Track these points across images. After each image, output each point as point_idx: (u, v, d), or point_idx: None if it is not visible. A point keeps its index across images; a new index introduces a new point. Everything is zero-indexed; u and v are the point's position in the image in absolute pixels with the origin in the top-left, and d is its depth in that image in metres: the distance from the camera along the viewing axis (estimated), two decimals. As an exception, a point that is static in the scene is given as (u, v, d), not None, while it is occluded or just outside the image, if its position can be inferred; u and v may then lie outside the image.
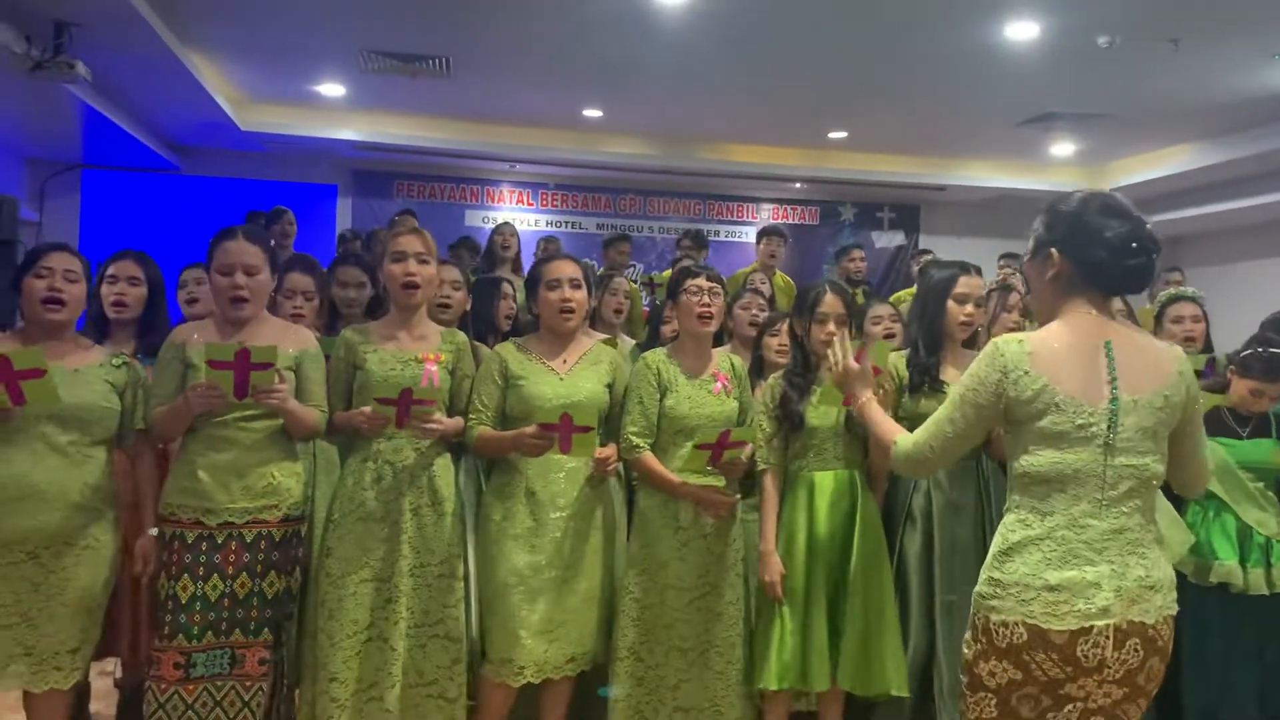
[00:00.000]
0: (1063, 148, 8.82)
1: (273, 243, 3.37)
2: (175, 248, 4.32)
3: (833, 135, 8.97)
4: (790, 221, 10.93)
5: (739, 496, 3.35)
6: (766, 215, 10.79)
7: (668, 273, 7.32)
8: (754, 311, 4.31)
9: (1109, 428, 2.10)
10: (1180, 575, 3.21)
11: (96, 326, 3.65)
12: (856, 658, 3.21)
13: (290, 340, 3.18)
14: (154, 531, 3.12)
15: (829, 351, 2.69)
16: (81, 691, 3.67)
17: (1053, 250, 2.20)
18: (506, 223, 7.08)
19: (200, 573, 3.04)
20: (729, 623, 3.31)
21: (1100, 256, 2.15)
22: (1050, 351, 2.14)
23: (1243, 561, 3.40)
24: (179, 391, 3.06)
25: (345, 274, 4.04)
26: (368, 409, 3.12)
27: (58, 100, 6.73)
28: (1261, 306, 4.25)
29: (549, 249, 7.27)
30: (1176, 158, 8.67)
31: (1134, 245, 2.14)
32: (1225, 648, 3.42)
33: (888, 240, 11.17)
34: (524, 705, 3.42)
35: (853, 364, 2.61)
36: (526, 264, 6.87)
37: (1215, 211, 9.17)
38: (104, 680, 3.91)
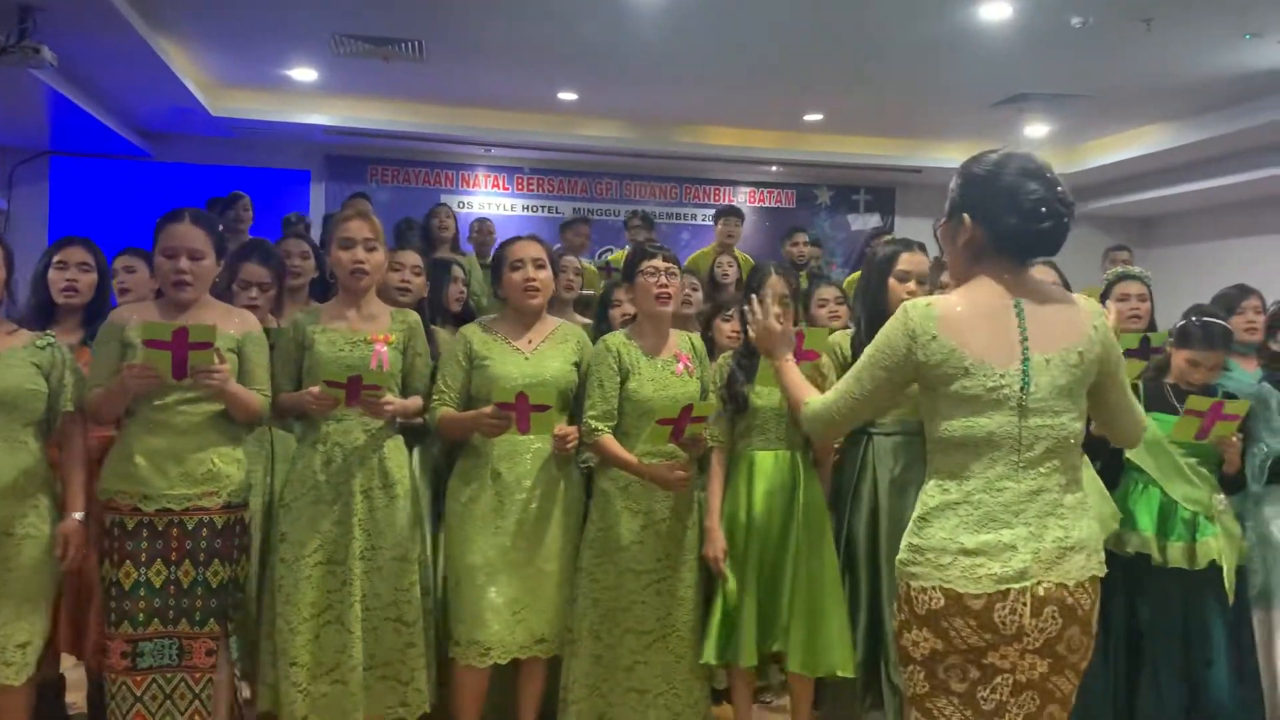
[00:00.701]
0: (1036, 129, 8.85)
1: (221, 227, 3.30)
2: (146, 235, 4.24)
3: (808, 118, 8.96)
4: (766, 205, 10.94)
5: (695, 469, 3.34)
6: (743, 198, 10.78)
7: (621, 253, 7.32)
8: (687, 292, 4.38)
9: (1021, 389, 2.08)
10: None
11: (42, 312, 3.61)
12: (802, 638, 3.23)
13: (233, 323, 3.15)
14: (78, 516, 3.05)
15: (749, 310, 2.67)
16: (56, 684, 3.66)
17: (965, 216, 2.16)
18: (443, 204, 7.03)
19: (143, 559, 2.99)
20: (688, 606, 3.33)
21: (1010, 223, 2.11)
22: (958, 315, 2.12)
23: (1164, 535, 3.42)
24: (116, 373, 3.00)
25: (290, 245, 3.99)
26: (315, 389, 3.10)
27: (24, 87, 6.62)
28: (1231, 283, 4.28)
29: (483, 229, 7.26)
30: (1149, 138, 8.72)
31: (1044, 210, 2.09)
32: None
33: (863, 223, 11.18)
34: (502, 690, 3.44)
35: (772, 324, 2.61)
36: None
37: (1187, 191, 9.22)
38: (79, 670, 3.88)
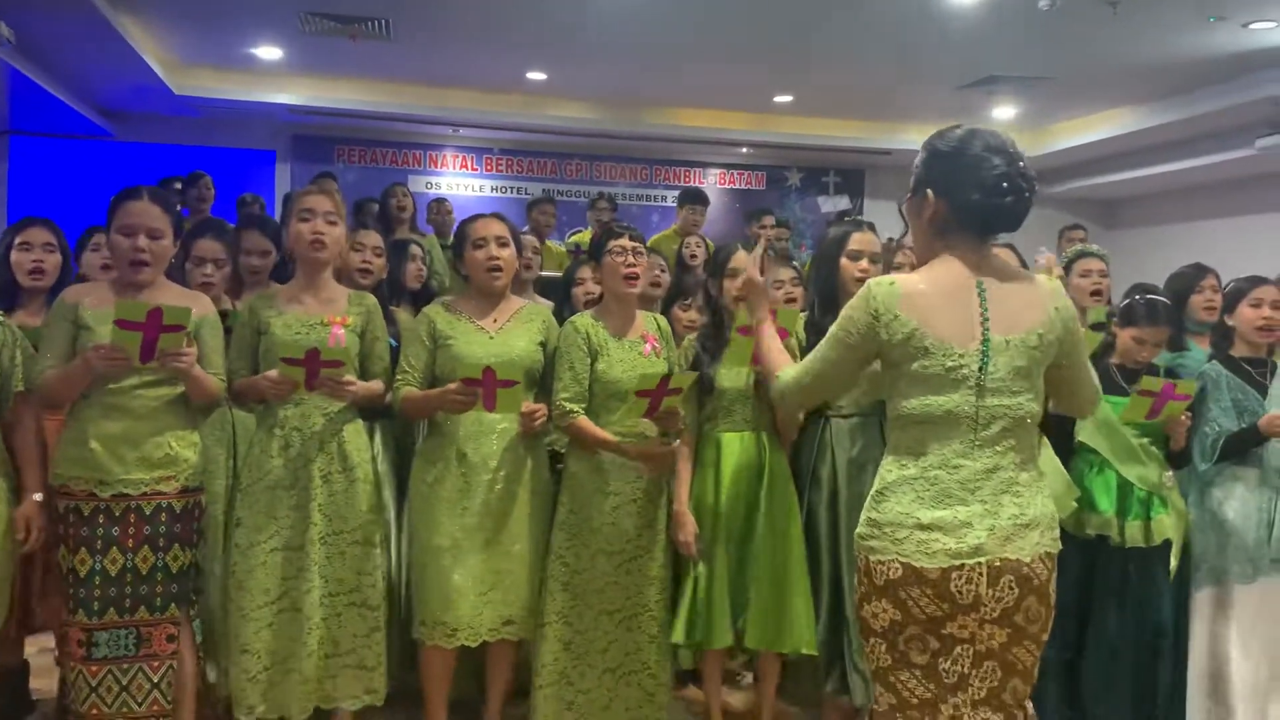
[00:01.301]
0: (1004, 111, 8.89)
1: (191, 210, 3.25)
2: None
3: (778, 99, 8.96)
4: (736, 187, 10.94)
5: (677, 442, 3.34)
6: (713, 180, 10.78)
7: (585, 233, 7.29)
8: (655, 273, 4.39)
9: (980, 369, 2.12)
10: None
11: (4, 294, 3.56)
12: (764, 616, 3.25)
13: (189, 305, 3.07)
14: (38, 497, 3.00)
15: (737, 269, 2.66)
16: (19, 670, 3.62)
17: (929, 191, 2.19)
18: (400, 184, 6.92)
19: (98, 546, 2.93)
20: (659, 586, 3.34)
21: (973, 198, 2.14)
22: (920, 294, 2.14)
23: (1122, 515, 3.46)
24: (70, 352, 2.94)
25: (250, 240, 3.89)
26: (273, 373, 3.05)
27: (-19, 64, 6.52)
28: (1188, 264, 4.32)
29: (442, 209, 7.21)
30: (1115, 120, 8.79)
31: (1005, 185, 2.12)
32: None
33: (833, 205, 11.20)
34: (468, 676, 3.43)
35: (756, 276, 2.63)
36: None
37: (1152, 174, 9.31)
38: (45, 657, 3.84)
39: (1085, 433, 3.50)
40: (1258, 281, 3.72)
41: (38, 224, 3.64)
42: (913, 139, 9.81)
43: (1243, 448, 3.55)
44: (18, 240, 3.58)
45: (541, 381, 3.36)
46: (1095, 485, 3.49)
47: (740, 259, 3.34)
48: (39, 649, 3.78)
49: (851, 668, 3.24)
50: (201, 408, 3.20)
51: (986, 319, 2.13)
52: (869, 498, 2.22)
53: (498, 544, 3.24)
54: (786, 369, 2.38)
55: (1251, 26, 6.32)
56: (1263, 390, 3.62)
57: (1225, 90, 7.56)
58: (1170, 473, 3.53)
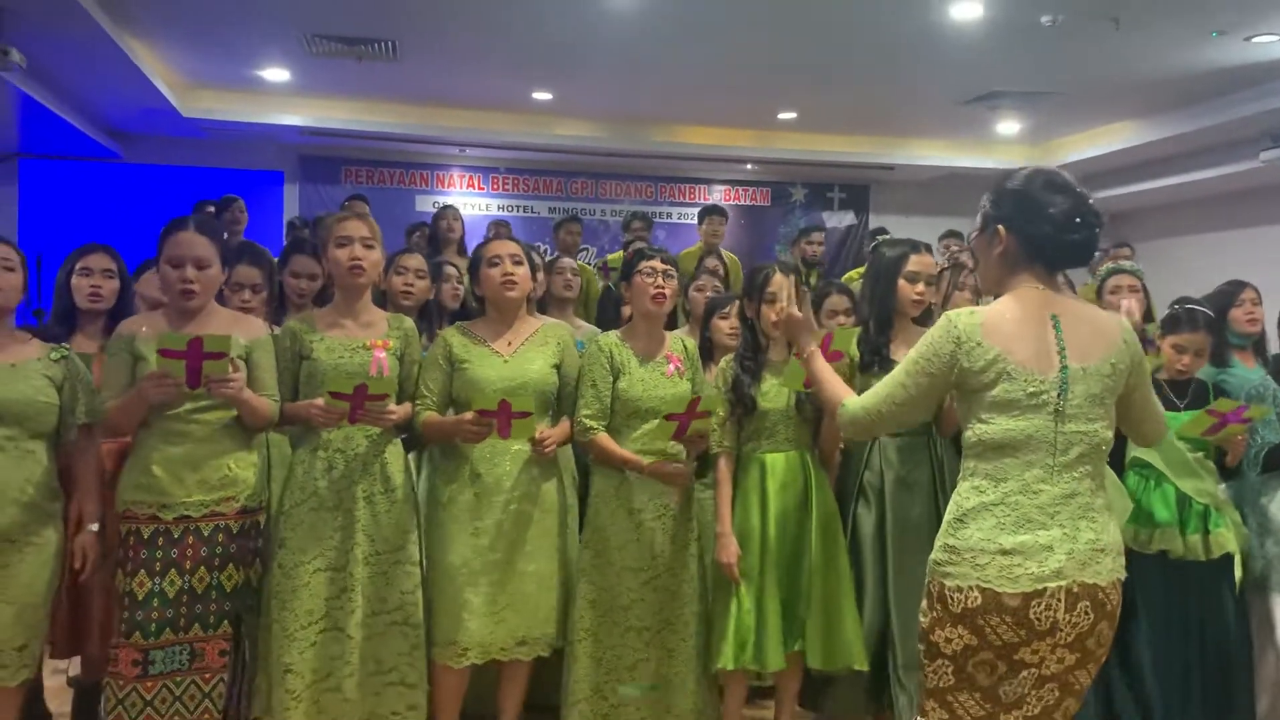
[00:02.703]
0: (1008, 126, 8.92)
1: (225, 234, 3.33)
2: (118, 238, 4.24)
3: (783, 116, 8.99)
4: (741, 203, 10.97)
5: (695, 464, 3.36)
6: (718, 197, 10.80)
7: (619, 254, 7.33)
8: (709, 293, 4.34)
9: (1059, 395, 2.17)
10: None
11: (64, 319, 3.63)
12: (819, 633, 3.25)
13: (241, 330, 3.16)
14: (94, 527, 3.07)
15: (776, 293, 2.73)
16: (34, 690, 3.63)
17: (999, 227, 2.27)
18: (450, 206, 7.04)
19: (157, 569, 3.01)
20: (686, 602, 3.34)
21: (1045, 232, 2.22)
22: (1002, 323, 2.20)
23: (1182, 529, 3.46)
24: (130, 383, 3.03)
25: (299, 264, 3.97)
26: (320, 401, 3.09)
27: (-8, 88, 6.59)
28: (1204, 278, 4.34)
29: (500, 232, 7.25)
30: (1119, 134, 8.81)
31: (1077, 220, 2.21)
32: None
33: (838, 220, 11.23)
34: (483, 694, 3.44)
35: (795, 311, 2.67)
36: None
37: (1157, 187, 9.33)
38: (57, 678, 3.85)
39: (1141, 449, 3.48)
40: None
41: (98, 250, 3.70)
42: (917, 154, 9.88)
43: None
44: (79, 265, 3.65)
45: (558, 401, 3.38)
46: (1154, 500, 3.49)
47: (778, 283, 3.33)
48: (50, 670, 3.79)
49: (896, 684, 3.24)
50: (258, 429, 3.24)
51: (1063, 348, 2.19)
52: (945, 523, 2.24)
53: (511, 564, 3.26)
54: (850, 399, 2.39)
55: (1254, 40, 6.34)
56: None
57: (1229, 103, 7.58)
58: (1223, 485, 3.54)
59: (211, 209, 6.88)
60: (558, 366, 3.39)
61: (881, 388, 2.33)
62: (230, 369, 2.94)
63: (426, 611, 3.31)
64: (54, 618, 3.17)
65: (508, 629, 3.25)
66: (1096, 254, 6.77)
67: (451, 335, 3.38)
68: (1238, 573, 3.50)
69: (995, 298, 2.34)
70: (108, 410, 3.06)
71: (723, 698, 3.48)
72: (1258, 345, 4.01)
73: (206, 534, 3.05)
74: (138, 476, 3.04)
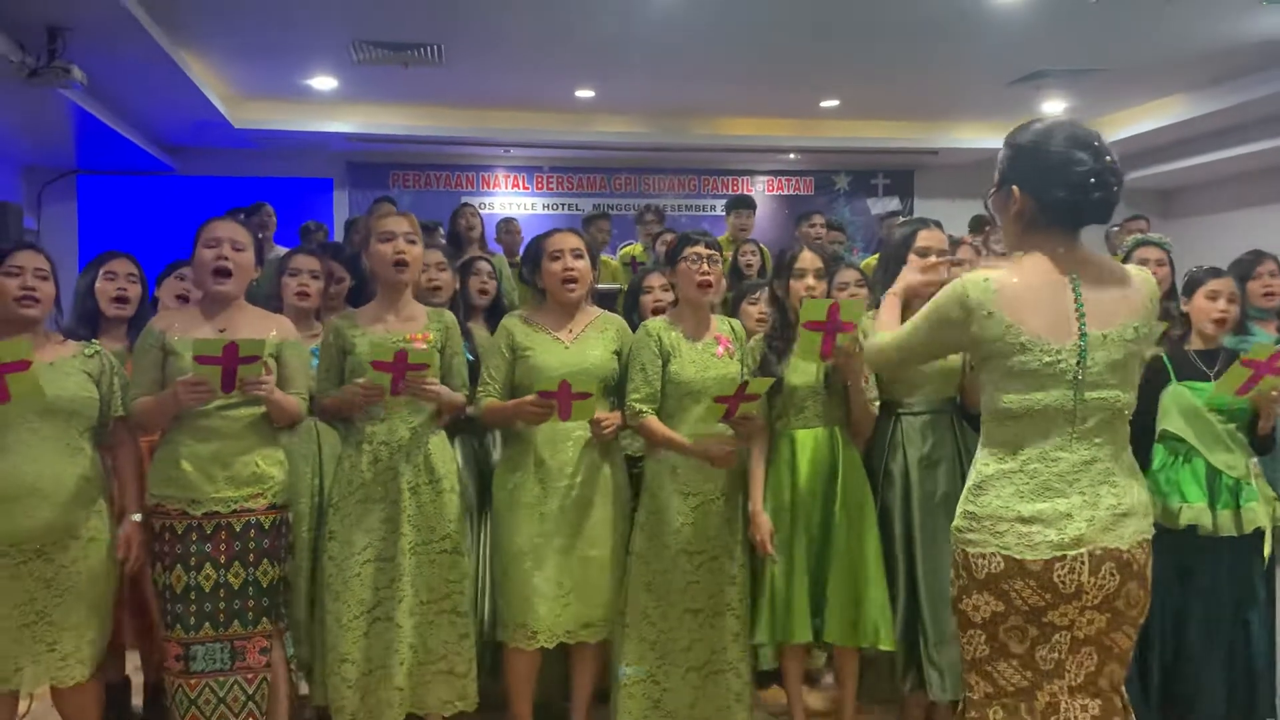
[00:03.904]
0: (1053, 105, 8.83)
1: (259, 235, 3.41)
2: (174, 250, 4.33)
3: (825, 104, 8.98)
4: (785, 193, 10.97)
5: (743, 445, 3.39)
6: (761, 188, 10.82)
7: (634, 246, 7.37)
8: (762, 307, 4.22)
9: (1078, 364, 2.13)
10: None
11: (87, 322, 3.71)
12: (841, 611, 3.28)
13: (270, 328, 3.22)
14: (137, 517, 3.13)
15: (800, 260, 2.87)
16: (121, 687, 3.75)
17: (1014, 188, 2.19)
18: (468, 204, 7.05)
19: (192, 563, 3.06)
20: (740, 584, 3.38)
21: (1060, 195, 2.14)
22: (1015, 290, 2.14)
23: (1211, 504, 3.42)
24: (159, 379, 3.08)
25: (298, 261, 3.96)
26: (362, 379, 3.15)
27: (52, 106, 6.75)
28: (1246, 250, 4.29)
29: (510, 228, 7.32)
30: (1167, 109, 8.69)
31: (1093, 180, 2.12)
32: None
33: (882, 206, 11.18)
34: (551, 680, 3.50)
35: (933, 275, 2.75)
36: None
37: (1207, 161, 9.18)
38: (140, 675, 3.97)
39: (1171, 421, 3.44)
40: None
41: (121, 257, 3.81)
42: (961, 138, 9.81)
43: None
44: (103, 271, 3.75)
45: (615, 389, 3.43)
46: (1183, 476, 3.44)
47: (805, 259, 3.39)
48: (133, 666, 3.90)
49: (928, 662, 3.26)
50: (286, 427, 3.31)
51: (1082, 315, 2.14)
52: (965, 490, 2.24)
53: (575, 548, 3.32)
54: (883, 333, 2.47)
55: (1304, 8, 6.24)
56: None
57: (1279, 74, 7.46)
58: (1255, 459, 3.49)
59: (241, 216, 6.94)
60: (618, 353, 3.44)
61: (899, 332, 2.39)
62: (262, 370, 3.00)
63: (495, 595, 3.38)
64: (119, 611, 3.26)
65: (573, 612, 3.31)
66: (1114, 228, 6.69)
67: (513, 324, 3.44)
68: (1267, 548, 3.45)
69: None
70: (137, 408, 3.11)
71: (783, 677, 3.53)
72: None
73: (239, 530, 3.10)
74: (167, 471, 3.09)
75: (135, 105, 7.70)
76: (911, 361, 2.50)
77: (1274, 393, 3.31)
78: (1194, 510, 3.39)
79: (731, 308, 4.07)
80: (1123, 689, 2.28)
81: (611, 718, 3.39)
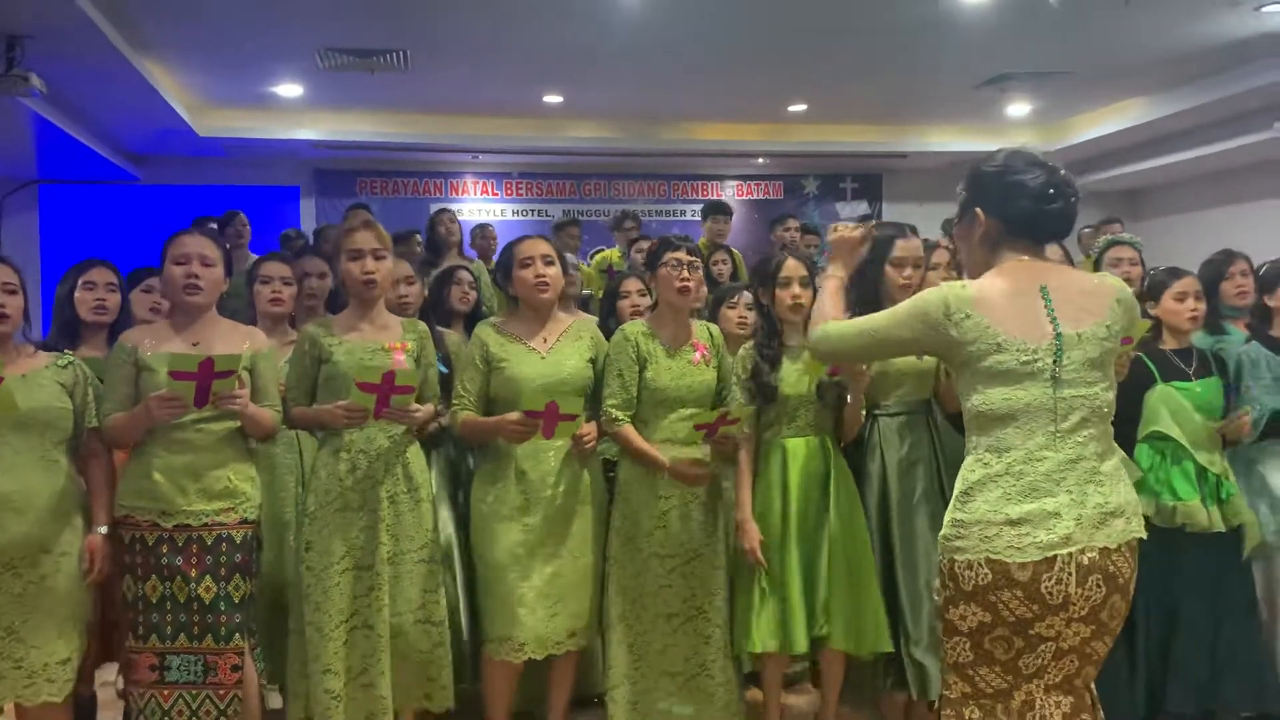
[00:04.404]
0: (1019, 108, 8.91)
1: (229, 246, 3.37)
2: (139, 259, 4.28)
3: (793, 108, 9.00)
4: (754, 197, 11.00)
5: (714, 465, 3.39)
6: (730, 192, 10.83)
7: (609, 251, 7.36)
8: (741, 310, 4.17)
9: (1054, 361, 2.18)
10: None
11: (66, 332, 3.65)
12: (844, 617, 3.28)
13: (242, 340, 3.20)
14: (103, 529, 3.09)
15: (832, 227, 2.77)
16: (88, 703, 3.68)
17: (977, 210, 2.30)
18: (446, 209, 7.01)
19: (165, 573, 3.04)
20: (715, 588, 3.37)
21: (1023, 207, 2.25)
22: (991, 295, 2.22)
23: (1203, 501, 3.47)
24: (132, 394, 3.06)
25: (308, 264, 4.00)
26: (345, 402, 3.12)
27: (11, 115, 6.64)
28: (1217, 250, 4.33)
29: (485, 234, 7.28)
30: (1131, 111, 8.78)
31: (1051, 192, 2.24)
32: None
33: (851, 210, 11.22)
34: (529, 685, 3.48)
35: (851, 234, 2.70)
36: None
37: (1172, 162, 9.29)
38: (107, 690, 3.91)
39: (1162, 422, 3.50)
40: None
41: (100, 265, 3.74)
42: (929, 141, 9.87)
43: None
44: (82, 280, 3.68)
45: (593, 396, 3.41)
46: (1174, 475, 3.48)
47: (791, 267, 3.38)
48: (101, 682, 3.84)
49: (908, 661, 3.27)
50: (259, 441, 3.29)
51: (1054, 317, 2.21)
52: (953, 499, 2.26)
53: (559, 558, 3.31)
54: (833, 323, 2.44)
55: (1264, 10, 6.31)
56: None
57: (1241, 75, 7.54)
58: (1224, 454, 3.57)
59: (214, 225, 6.88)
60: (593, 361, 3.43)
61: (863, 320, 2.38)
62: (237, 385, 2.98)
63: (478, 610, 3.36)
64: (91, 626, 3.19)
65: (560, 621, 3.29)
66: (1088, 229, 6.80)
67: (487, 334, 3.41)
68: (1250, 543, 3.51)
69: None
70: (110, 424, 3.08)
71: (761, 683, 3.52)
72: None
73: (210, 543, 3.07)
74: (138, 482, 3.06)
75: (97, 114, 7.61)
76: (872, 354, 2.52)
77: (1244, 423, 3.52)
78: (1189, 507, 3.44)
79: (710, 311, 4.05)
80: (1091, 688, 2.32)
81: None
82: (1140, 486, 3.45)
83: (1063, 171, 2.27)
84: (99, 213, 9.46)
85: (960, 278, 2.52)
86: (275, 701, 3.61)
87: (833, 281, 2.59)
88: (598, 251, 7.96)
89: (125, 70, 6.40)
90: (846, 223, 2.79)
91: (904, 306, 2.32)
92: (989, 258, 2.31)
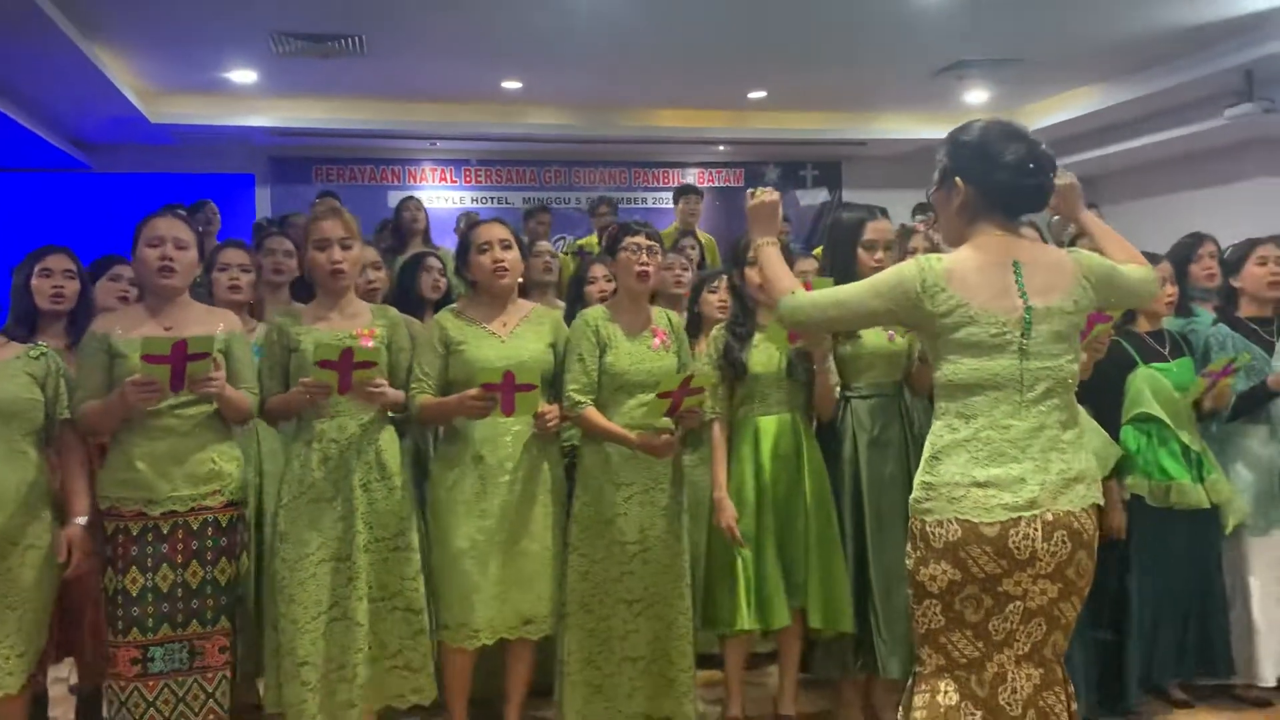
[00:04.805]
0: (976, 95, 8.97)
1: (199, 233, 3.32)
2: (91, 248, 4.19)
3: (753, 95, 9.00)
4: (715, 184, 10.99)
5: (679, 433, 3.38)
6: (691, 179, 10.79)
7: (590, 238, 7.36)
8: (677, 271, 4.38)
9: (1023, 334, 2.24)
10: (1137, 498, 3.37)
11: (23, 321, 3.57)
12: (819, 592, 3.31)
13: (216, 323, 3.17)
14: (82, 521, 3.05)
15: (749, 193, 2.81)
16: (39, 698, 3.63)
17: (957, 179, 2.33)
18: (412, 197, 6.98)
19: (149, 564, 3.02)
20: (676, 574, 3.38)
21: (1001, 179, 2.29)
22: (964, 269, 2.28)
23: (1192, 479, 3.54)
24: (106, 382, 3.02)
25: (274, 242, 3.96)
26: (308, 379, 3.08)
27: (-45, 103, 6.53)
28: (1176, 239, 4.38)
29: (471, 221, 7.22)
30: (1087, 98, 8.86)
31: (1031, 166, 2.28)
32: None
33: (812, 198, 11.27)
34: (489, 676, 3.47)
35: (770, 198, 2.74)
36: (438, 240, 6.85)
37: (1125, 149, 9.39)
38: (58, 686, 3.85)
39: (1147, 404, 3.56)
40: (1258, 242, 3.82)
41: (57, 251, 3.65)
42: (888, 128, 9.90)
43: (1255, 405, 3.69)
44: (38, 268, 3.59)
45: (551, 382, 3.40)
46: (1161, 455, 3.54)
47: (757, 192, 3.37)
48: (53, 678, 3.78)
49: (880, 641, 3.30)
50: (238, 423, 3.27)
51: (1024, 290, 2.27)
52: (922, 462, 2.33)
53: (516, 544, 3.29)
54: (801, 292, 2.46)
55: (1214, -3, 6.40)
56: (1269, 348, 3.73)
57: (1193, 62, 7.64)
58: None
59: (182, 211, 6.79)
60: (553, 346, 3.41)
61: (837, 290, 2.42)
62: (212, 367, 2.94)
63: (434, 596, 3.33)
64: (51, 620, 3.15)
65: (515, 608, 3.28)
66: (1057, 219, 6.90)
67: (445, 319, 3.39)
68: (1233, 519, 3.59)
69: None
70: (85, 412, 3.05)
71: (723, 662, 3.54)
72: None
73: (196, 528, 3.06)
74: (120, 473, 3.04)
75: (45, 101, 7.47)
76: (845, 324, 2.58)
77: (1229, 391, 3.59)
78: (1182, 486, 3.52)
79: (692, 296, 4.05)
80: (1062, 662, 2.37)
81: (556, 708, 3.37)
82: (1131, 467, 3.52)
83: (1043, 146, 2.31)
84: (49, 202, 9.29)
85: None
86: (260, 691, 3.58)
87: (770, 249, 2.62)
88: (559, 239, 7.95)
89: (74, 56, 6.29)
90: (764, 188, 2.82)
91: (879, 278, 2.37)
92: (964, 227, 2.35)
